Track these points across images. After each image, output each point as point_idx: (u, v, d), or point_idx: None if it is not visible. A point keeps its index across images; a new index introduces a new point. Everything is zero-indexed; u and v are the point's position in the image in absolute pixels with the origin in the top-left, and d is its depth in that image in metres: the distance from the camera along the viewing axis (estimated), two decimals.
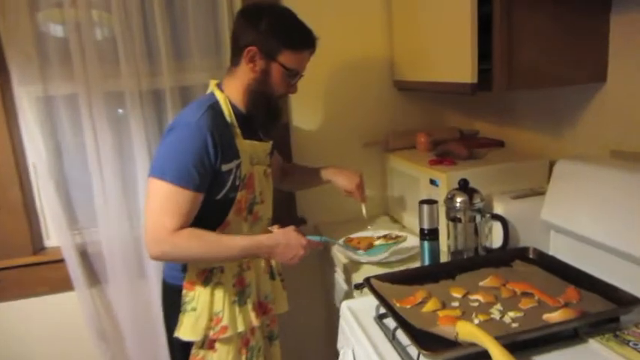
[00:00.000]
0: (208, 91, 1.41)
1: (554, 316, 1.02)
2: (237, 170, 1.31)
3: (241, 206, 1.36)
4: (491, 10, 1.28)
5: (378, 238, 1.66)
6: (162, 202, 1.22)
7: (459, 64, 1.38)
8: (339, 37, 1.93)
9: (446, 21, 1.44)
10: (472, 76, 1.31)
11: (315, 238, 1.40)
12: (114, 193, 1.80)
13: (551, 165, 1.60)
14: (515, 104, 1.81)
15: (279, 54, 1.30)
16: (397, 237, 1.62)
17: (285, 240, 1.34)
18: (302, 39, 1.33)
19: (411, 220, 1.81)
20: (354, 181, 1.59)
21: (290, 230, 1.37)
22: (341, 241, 1.63)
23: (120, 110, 1.81)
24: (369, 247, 1.61)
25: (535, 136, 1.73)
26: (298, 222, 1.97)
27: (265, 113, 1.35)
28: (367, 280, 1.25)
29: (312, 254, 1.45)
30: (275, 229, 1.42)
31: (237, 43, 1.33)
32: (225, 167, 1.28)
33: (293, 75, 1.35)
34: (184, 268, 1.35)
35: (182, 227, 1.22)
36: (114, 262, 1.84)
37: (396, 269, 1.37)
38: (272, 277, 1.52)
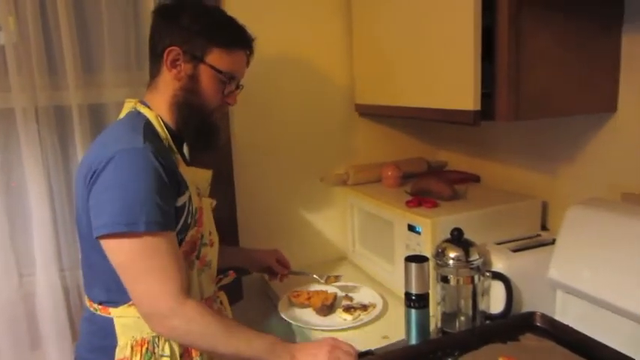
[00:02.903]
0: (126, 112, 1.10)
1: None
2: (189, 204, 1.04)
3: (189, 249, 1.07)
4: (493, 23, 1.04)
5: (337, 297, 1.40)
6: (146, 262, 0.93)
7: (453, 88, 1.12)
8: (290, 53, 1.65)
9: (437, 35, 1.17)
10: (474, 103, 1.05)
11: None
12: None
13: (544, 206, 1.39)
14: (490, 133, 1.61)
15: (207, 53, 1.06)
16: (365, 307, 1.35)
17: (315, 345, 1.01)
18: (233, 35, 1.10)
19: (378, 270, 1.53)
20: (272, 256, 1.41)
21: (327, 339, 1.03)
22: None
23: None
24: (325, 307, 1.34)
25: (518, 171, 1.51)
26: (240, 272, 1.62)
27: (198, 130, 1.10)
28: None
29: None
30: (230, 276, 1.23)
31: (156, 47, 1.07)
32: (180, 201, 1.01)
33: (227, 80, 1.09)
34: (110, 347, 1.00)
35: (185, 287, 0.96)
36: None
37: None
38: None
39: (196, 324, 0.93)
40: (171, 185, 0.97)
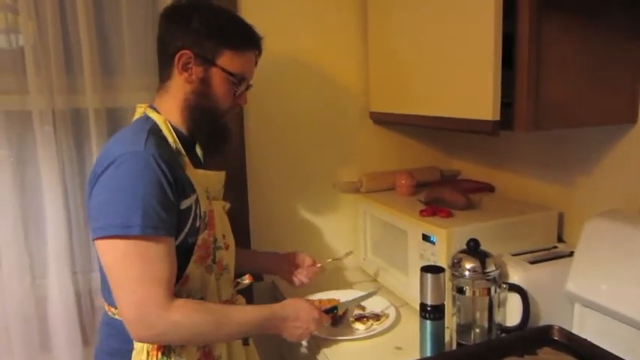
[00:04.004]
0: (137, 116, 1.11)
1: None
2: (196, 207, 1.03)
3: (203, 253, 1.06)
4: (513, 31, 1.03)
5: (348, 305, 1.37)
6: (136, 267, 0.93)
7: (472, 97, 1.11)
8: (306, 60, 1.65)
9: (456, 43, 1.17)
10: (494, 113, 1.04)
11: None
12: (10, 239, 1.40)
13: (560, 218, 1.37)
14: (505, 142, 1.59)
15: (219, 56, 1.05)
16: (377, 316, 1.34)
17: (294, 313, 1.12)
18: (244, 36, 1.09)
19: (390, 279, 1.51)
20: (291, 260, 1.40)
21: (301, 301, 1.17)
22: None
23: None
24: (337, 315, 1.32)
25: (533, 181, 1.50)
26: (256, 277, 1.61)
27: (210, 133, 1.09)
28: None
29: None
30: (247, 279, 1.21)
31: (166, 51, 1.06)
32: (184, 204, 1.00)
33: (238, 82, 1.09)
34: (127, 351, 1.00)
35: (172, 293, 0.95)
36: (6, 331, 1.43)
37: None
38: (245, 341, 1.20)
39: (183, 328, 0.95)
40: (172, 190, 0.97)
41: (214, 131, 1.09)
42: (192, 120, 1.07)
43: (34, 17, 1.35)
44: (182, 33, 1.04)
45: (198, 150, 1.18)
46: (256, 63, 1.15)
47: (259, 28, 1.13)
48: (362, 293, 1.41)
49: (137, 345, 0.99)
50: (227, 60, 1.06)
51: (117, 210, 0.92)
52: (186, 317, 0.95)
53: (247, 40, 1.09)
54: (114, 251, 0.93)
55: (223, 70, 1.06)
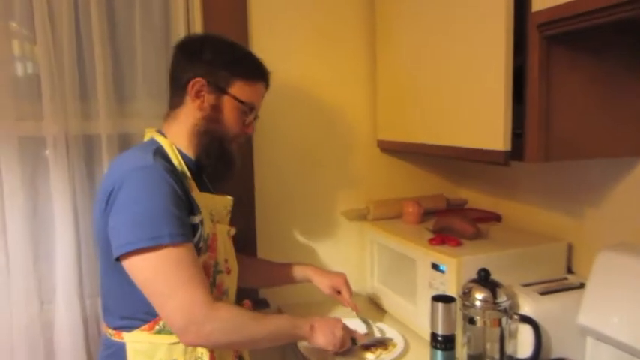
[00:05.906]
0: (146, 139, 1.15)
1: None
2: (200, 228, 1.05)
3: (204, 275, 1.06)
4: (523, 64, 1.05)
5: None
6: (174, 275, 0.95)
7: (483, 128, 1.12)
8: (315, 89, 1.68)
9: (467, 74, 1.19)
10: (505, 143, 1.05)
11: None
12: (19, 263, 1.40)
13: (569, 248, 1.37)
14: (512, 173, 1.60)
15: (231, 84, 1.12)
16: (386, 344, 1.32)
17: (323, 319, 1.18)
18: (255, 68, 1.17)
19: (397, 308, 1.50)
20: (339, 279, 1.41)
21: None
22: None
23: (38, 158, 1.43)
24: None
25: (541, 211, 1.50)
26: (259, 304, 1.61)
27: (218, 158, 1.13)
28: None
29: None
30: (245, 305, 1.19)
31: (179, 80, 1.12)
32: (192, 220, 1.04)
33: (248, 110, 1.15)
34: None
35: (210, 293, 1.00)
36: (11, 354, 1.41)
37: None
38: None
39: (230, 322, 0.99)
40: (184, 200, 1.00)
41: (222, 156, 1.13)
42: (201, 145, 1.11)
43: (51, 45, 1.38)
44: (195, 63, 1.10)
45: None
46: (263, 96, 1.21)
47: (268, 57, 1.19)
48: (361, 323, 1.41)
49: None
50: (238, 89, 1.12)
51: (142, 223, 0.95)
52: (229, 312, 1.00)
53: (258, 71, 1.16)
54: (148, 265, 0.95)
55: (235, 98, 1.11)
